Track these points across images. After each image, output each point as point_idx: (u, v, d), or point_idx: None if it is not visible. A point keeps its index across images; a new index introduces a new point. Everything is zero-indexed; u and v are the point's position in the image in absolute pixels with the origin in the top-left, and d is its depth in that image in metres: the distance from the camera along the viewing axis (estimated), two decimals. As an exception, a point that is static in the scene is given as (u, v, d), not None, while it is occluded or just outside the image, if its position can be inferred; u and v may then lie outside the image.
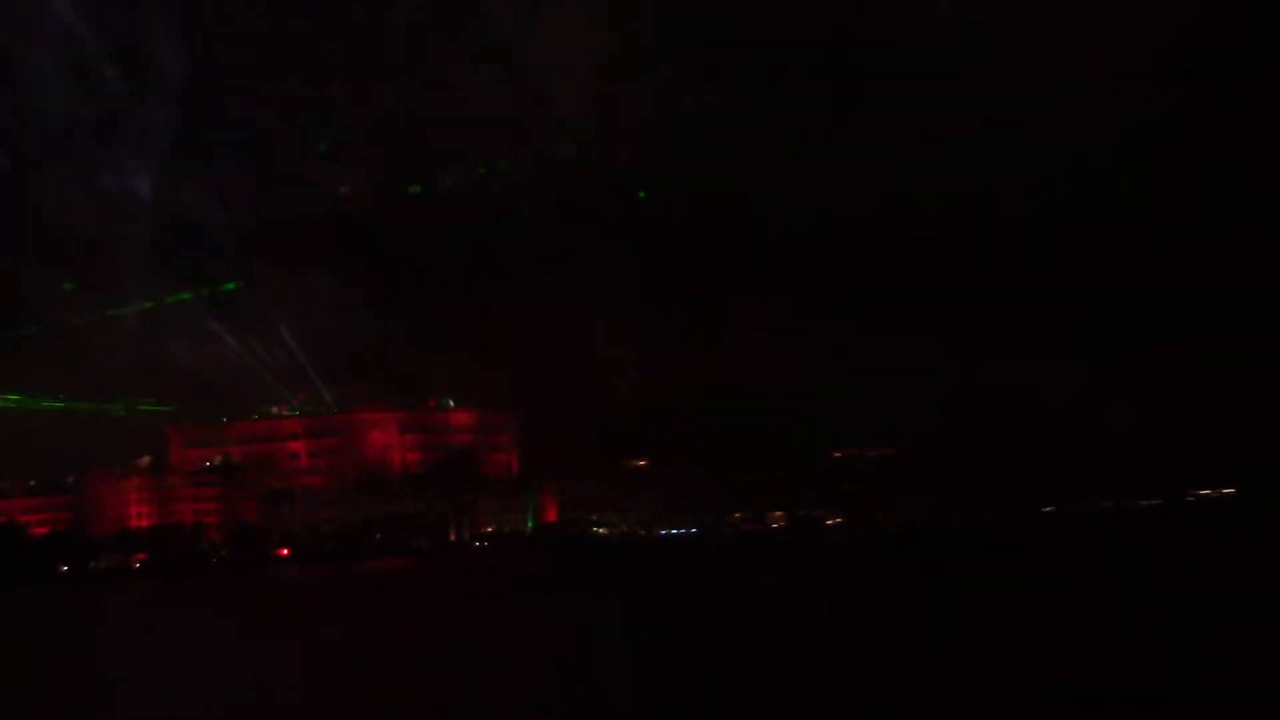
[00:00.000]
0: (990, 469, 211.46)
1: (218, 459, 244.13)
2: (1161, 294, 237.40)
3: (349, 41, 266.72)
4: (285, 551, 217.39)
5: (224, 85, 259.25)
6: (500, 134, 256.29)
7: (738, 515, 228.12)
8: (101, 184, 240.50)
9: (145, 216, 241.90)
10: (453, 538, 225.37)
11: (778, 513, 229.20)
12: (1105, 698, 27.91)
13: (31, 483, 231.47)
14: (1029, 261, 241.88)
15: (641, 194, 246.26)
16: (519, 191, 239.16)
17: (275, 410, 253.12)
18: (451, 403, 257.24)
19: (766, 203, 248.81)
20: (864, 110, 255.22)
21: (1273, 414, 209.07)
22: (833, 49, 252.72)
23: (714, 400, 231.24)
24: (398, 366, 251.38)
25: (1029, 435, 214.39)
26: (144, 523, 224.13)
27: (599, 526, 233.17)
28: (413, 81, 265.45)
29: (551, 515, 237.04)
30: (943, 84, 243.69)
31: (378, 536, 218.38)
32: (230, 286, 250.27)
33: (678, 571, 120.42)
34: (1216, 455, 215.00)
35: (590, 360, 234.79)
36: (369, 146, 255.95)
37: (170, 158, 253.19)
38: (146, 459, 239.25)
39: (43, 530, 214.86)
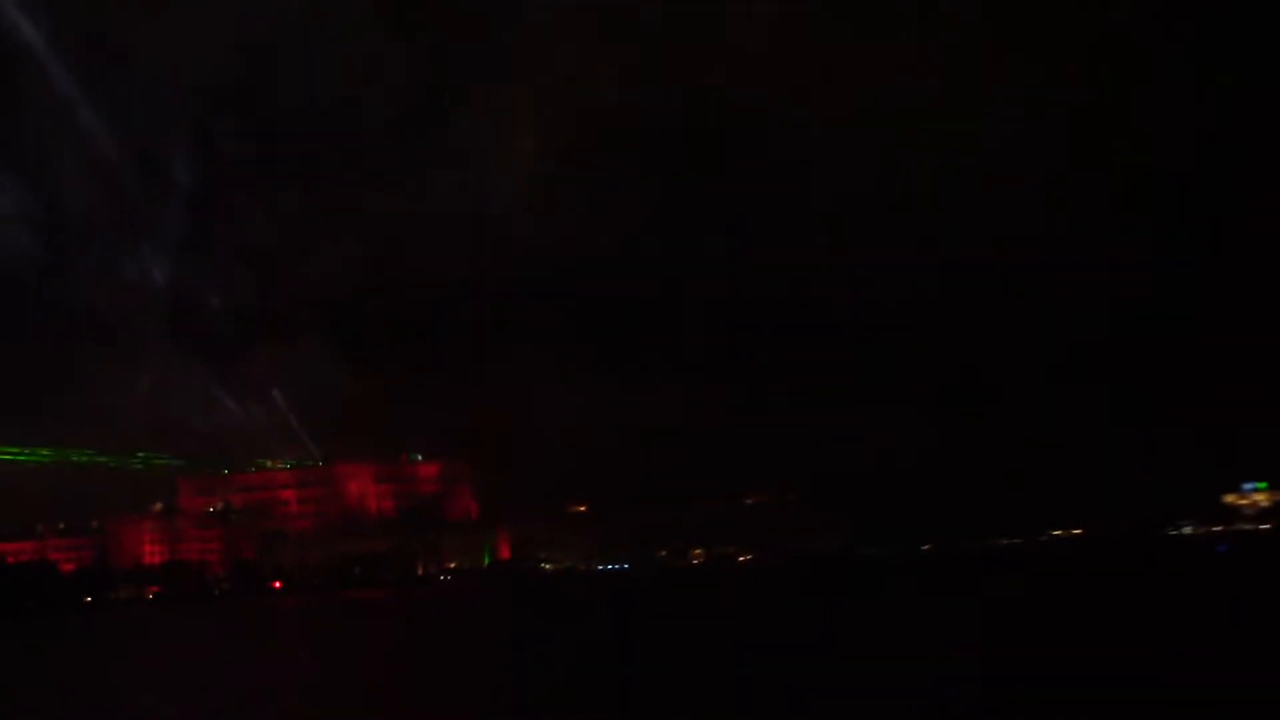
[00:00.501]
0: (875, 511, 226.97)
1: (220, 505, 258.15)
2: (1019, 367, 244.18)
3: (331, 152, 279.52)
4: (278, 584, 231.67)
5: (227, 189, 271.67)
6: (461, 226, 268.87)
7: (663, 552, 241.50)
8: (124, 272, 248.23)
9: (160, 300, 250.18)
10: (420, 572, 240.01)
11: (698, 550, 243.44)
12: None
13: (61, 525, 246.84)
14: (906, 340, 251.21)
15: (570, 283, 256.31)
16: (477, 275, 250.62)
17: (269, 464, 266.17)
18: (419, 457, 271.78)
19: (691, 283, 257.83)
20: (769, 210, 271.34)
21: (1106, 467, 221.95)
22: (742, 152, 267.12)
23: (644, 453, 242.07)
24: (374, 426, 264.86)
25: (909, 480, 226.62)
26: (157, 559, 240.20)
27: (545, 563, 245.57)
28: (385, 182, 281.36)
29: (505, 553, 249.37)
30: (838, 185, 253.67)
31: (357, 571, 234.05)
32: (227, 360, 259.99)
33: (610, 600, 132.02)
34: (1068, 500, 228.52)
35: (539, 420, 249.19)
36: (348, 239, 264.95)
37: (181, 251, 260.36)
38: (159, 505, 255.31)
39: (70, 566, 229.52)
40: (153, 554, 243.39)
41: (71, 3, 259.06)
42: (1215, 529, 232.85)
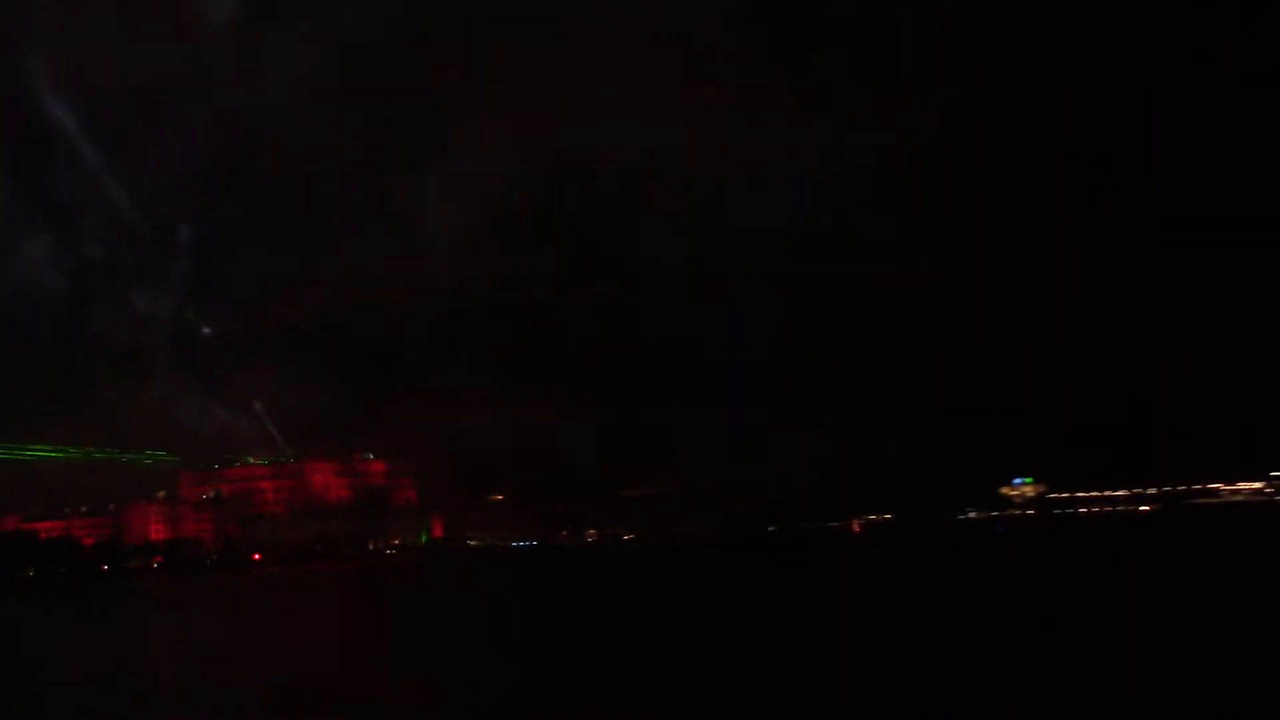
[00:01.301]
0: (730, 499, 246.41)
1: (212, 494, 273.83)
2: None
3: (299, 214, 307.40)
4: (258, 557, 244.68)
5: (217, 244, 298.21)
6: (402, 274, 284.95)
7: (564, 533, 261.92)
8: (136, 308, 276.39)
9: (164, 330, 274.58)
10: (371, 548, 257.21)
11: (591, 531, 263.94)
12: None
13: (83, 508, 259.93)
14: (754, 362, 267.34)
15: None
16: (415, 313, 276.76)
17: (251, 460, 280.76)
18: (370, 456, 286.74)
19: (581, 319, 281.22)
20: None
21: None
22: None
23: (548, 454, 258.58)
24: (334, 432, 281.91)
25: (756, 474, 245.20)
26: (161, 536, 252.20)
27: (471, 540, 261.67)
28: (341, 239, 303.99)
29: (439, 532, 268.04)
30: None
31: (320, 547, 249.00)
32: (217, 378, 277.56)
33: (523, 569, 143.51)
34: (881, 490, 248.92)
35: (465, 426, 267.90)
36: (313, 284, 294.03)
37: (180, 292, 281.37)
38: (163, 493, 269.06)
39: (90, 541, 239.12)
40: (157, 532, 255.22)
41: (98, 93, 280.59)
42: (993, 514, 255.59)
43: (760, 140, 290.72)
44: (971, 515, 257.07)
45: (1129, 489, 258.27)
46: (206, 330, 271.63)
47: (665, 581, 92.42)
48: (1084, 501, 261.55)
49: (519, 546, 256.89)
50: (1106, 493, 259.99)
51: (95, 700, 37.82)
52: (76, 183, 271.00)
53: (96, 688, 41.32)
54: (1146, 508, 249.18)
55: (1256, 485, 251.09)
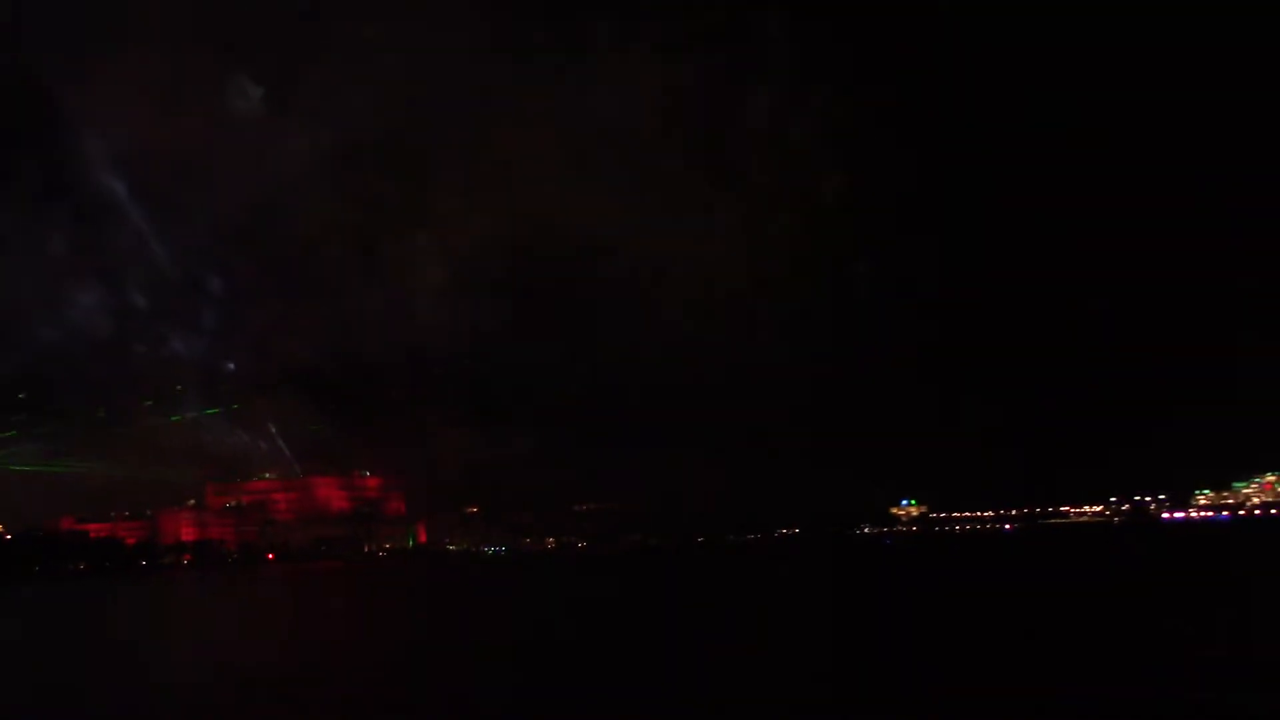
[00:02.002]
0: (664, 516, 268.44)
1: (233, 503, 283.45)
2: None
3: (305, 271, 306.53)
4: (271, 556, 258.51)
5: (240, 295, 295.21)
6: (390, 322, 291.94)
7: (527, 540, 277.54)
8: (172, 348, 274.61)
9: (194, 367, 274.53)
10: (365, 550, 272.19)
11: (550, 539, 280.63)
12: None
13: (126, 513, 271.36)
14: (682, 403, 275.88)
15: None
16: (399, 355, 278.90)
17: (266, 476, 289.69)
18: (366, 473, 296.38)
19: (538, 365, 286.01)
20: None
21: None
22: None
23: (512, 475, 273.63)
24: (335, 453, 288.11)
25: (688, 495, 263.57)
26: (190, 537, 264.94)
27: (449, 545, 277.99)
28: (341, 292, 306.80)
29: (423, 538, 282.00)
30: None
31: (323, 548, 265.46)
32: (238, 406, 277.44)
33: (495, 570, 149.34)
34: (790, 509, 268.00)
35: (444, 450, 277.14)
36: (317, 329, 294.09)
37: (208, 334, 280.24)
38: (192, 501, 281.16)
39: (131, 540, 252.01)
40: (187, 534, 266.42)
41: (143, 166, 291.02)
42: (883, 529, 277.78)
43: (685, 216, 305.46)
44: (866, 530, 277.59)
45: (995, 510, 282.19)
46: (230, 367, 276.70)
47: (611, 578, 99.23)
48: (958, 520, 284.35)
49: (490, 551, 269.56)
50: (977, 513, 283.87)
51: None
52: (123, 242, 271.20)
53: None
54: (1009, 526, 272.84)
55: (1098, 508, 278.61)
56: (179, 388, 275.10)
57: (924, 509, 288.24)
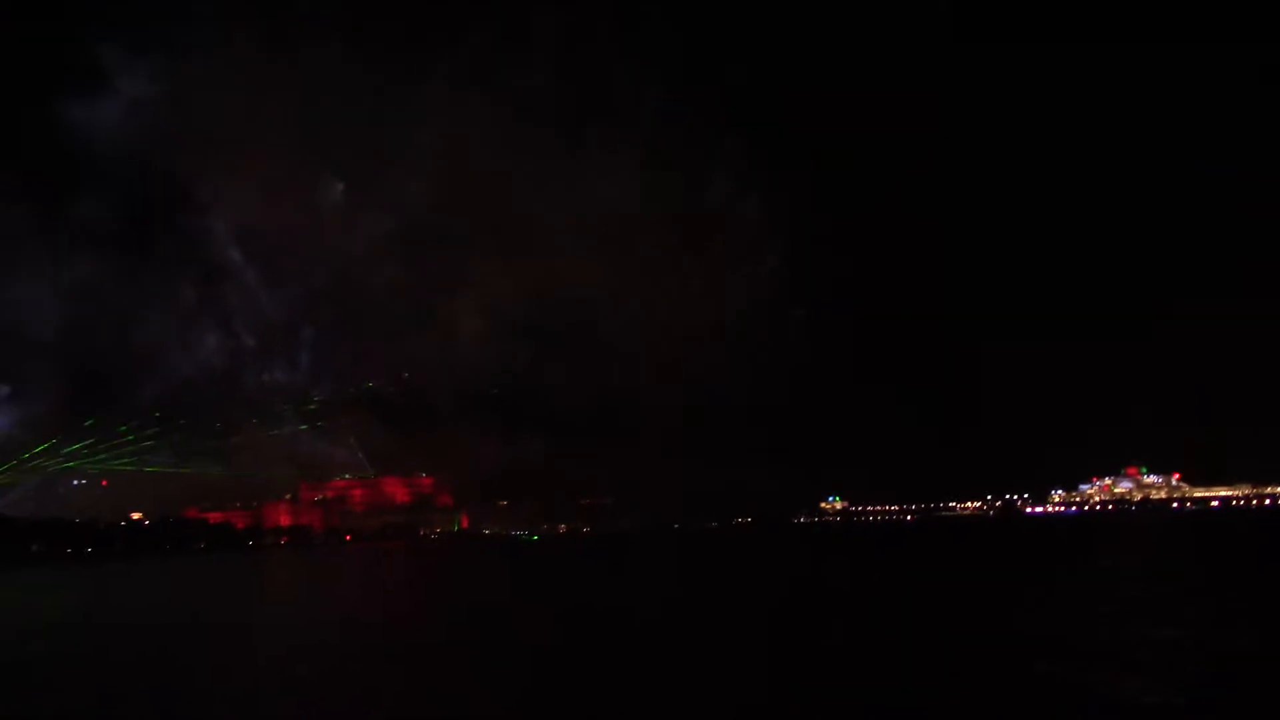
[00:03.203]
0: (649, 505, 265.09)
1: (320, 496, 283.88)
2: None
3: (378, 324, 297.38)
4: (349, 537, 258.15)
5: (326, 338, 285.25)
6: (440, 359, 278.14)
7: (545, 526, 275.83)
8: (273, 377, 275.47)
9: (291, 393, 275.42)
10: (421, 534, 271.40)
11: (562, 525, 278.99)
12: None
13: (238, 504, 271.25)
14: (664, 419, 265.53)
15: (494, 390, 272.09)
16: (445, 385, 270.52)
17: (345, 476, 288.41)
18: (423, 474, 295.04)
19: (549, 390, 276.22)
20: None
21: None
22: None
23: (532, 476, 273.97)
24: (399, 459, 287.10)
25: (665, 489, 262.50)
26: (287, 523, 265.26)
27: (485, 530, 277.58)
28: (402, 337, 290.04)
29: (465, 524, 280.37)
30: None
31: (389, 532, 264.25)
32: (323, 423, 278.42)
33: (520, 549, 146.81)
34: (742, 501, 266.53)
35: (480, 456, 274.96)
36: (387, 364, 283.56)
37: (300, 369, 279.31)
38: (289, 495, 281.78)
39: (241, 525, 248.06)
40: (285, 520, 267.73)
41: (253, 237, 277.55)
42: (815, 519, 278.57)
43: (662, 276, 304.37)
44: (802, 519, 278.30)
45: (900, 504, 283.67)
46: (317, 393, 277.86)
47: (611, 554, 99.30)
48: (872, 512, 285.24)
49: (517, 534, 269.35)
50: (886, 506, 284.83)
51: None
52: (239, 297, 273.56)
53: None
54: (910, 517, 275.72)
55: (977, 504, 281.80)
56: (279, 408, 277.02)
57: (846, 503, 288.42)
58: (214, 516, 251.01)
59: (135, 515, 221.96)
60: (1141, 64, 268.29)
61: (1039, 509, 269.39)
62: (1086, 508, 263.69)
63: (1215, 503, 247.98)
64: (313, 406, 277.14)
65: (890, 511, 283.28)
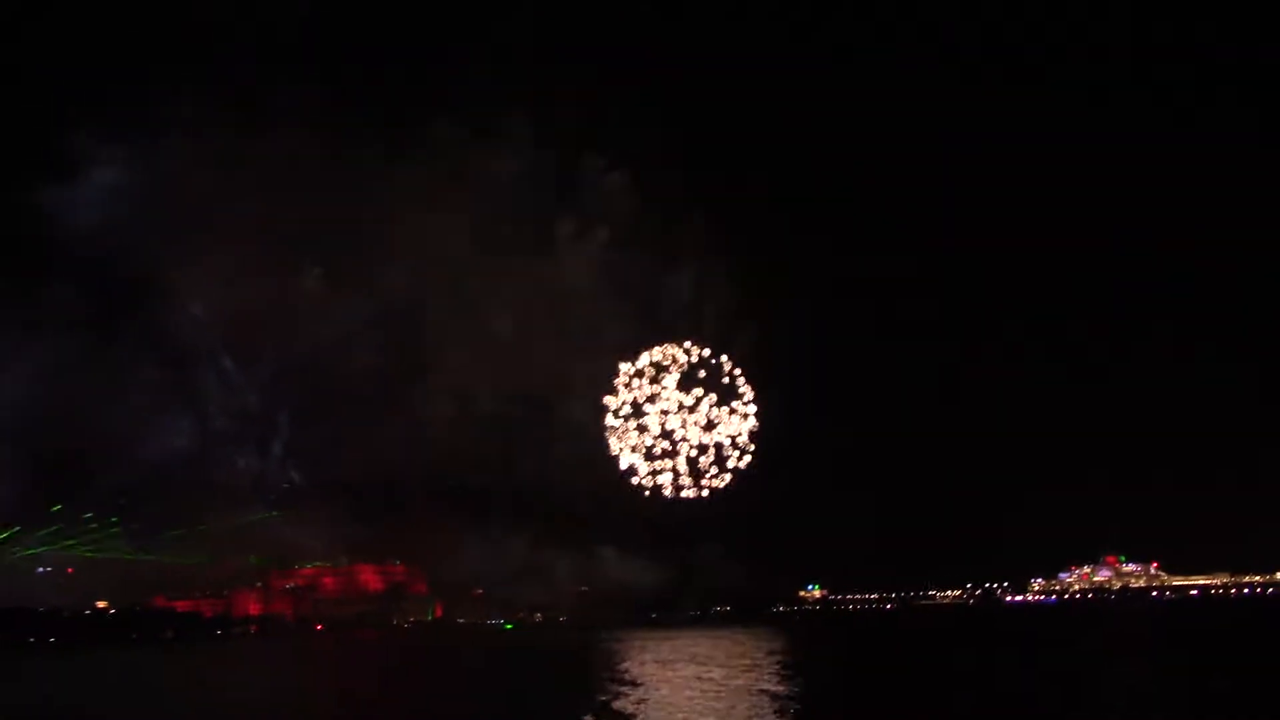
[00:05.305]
0: (624, 597, 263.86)
1: (291, 585, 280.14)
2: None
3: (349, 409, 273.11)
4: (319, 626, 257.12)
5: (298, 425, 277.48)
6: (408, 442, 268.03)
7: (521, 614, 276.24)
8: (238, 460, 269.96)
9: (263, 478, 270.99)
10: (394, 622, 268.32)
11: (538, 614, 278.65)
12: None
13: (206, 592, 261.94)
14: None
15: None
16: (413, 470, 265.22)
17: (317, 563, 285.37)
18: (397, 561, 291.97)
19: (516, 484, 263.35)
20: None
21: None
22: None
23: (506, 565, 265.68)
24: (372, 546, 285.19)
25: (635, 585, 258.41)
26: (256, 611, 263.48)
27: (459, 619, 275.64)
28: (376, 416, 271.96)
29: (439, 613, 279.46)
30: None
31: (362, 620, 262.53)
32: (294, 508, 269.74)
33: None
34: (723, 592, 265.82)
35: (458, 547, 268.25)
36: (360, 451, 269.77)
37: (274, 454, 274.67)
38: (259, 583, 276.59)
39: (209, 614, 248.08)
40: (254, 609, 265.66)
41: (227, 323, 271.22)
42: (794, 607, 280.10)
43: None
44: (780, 608, 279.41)
45: (880, 593, 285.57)
46: (287, 479, 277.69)
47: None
48: (851, 601, 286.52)
49: (492, 623, 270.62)
50: (866, 595, 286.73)
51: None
52: (209, 380, 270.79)
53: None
54: (889, 605, 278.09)
55: (957, 593, 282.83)
56: (250, 495, 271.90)
57: (825, 592, 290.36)
58: (182, 605, 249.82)
59: (101, 604, 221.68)
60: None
61: (1019, 597, 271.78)
62: (1066, 596, 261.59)
63: (1194, 591, 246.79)
64: (284, 492, 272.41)
65: (870, 600, 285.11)
